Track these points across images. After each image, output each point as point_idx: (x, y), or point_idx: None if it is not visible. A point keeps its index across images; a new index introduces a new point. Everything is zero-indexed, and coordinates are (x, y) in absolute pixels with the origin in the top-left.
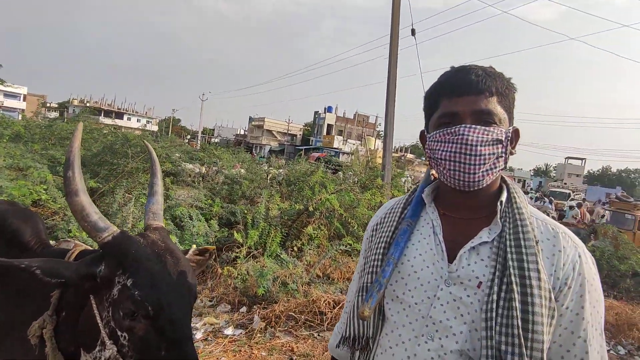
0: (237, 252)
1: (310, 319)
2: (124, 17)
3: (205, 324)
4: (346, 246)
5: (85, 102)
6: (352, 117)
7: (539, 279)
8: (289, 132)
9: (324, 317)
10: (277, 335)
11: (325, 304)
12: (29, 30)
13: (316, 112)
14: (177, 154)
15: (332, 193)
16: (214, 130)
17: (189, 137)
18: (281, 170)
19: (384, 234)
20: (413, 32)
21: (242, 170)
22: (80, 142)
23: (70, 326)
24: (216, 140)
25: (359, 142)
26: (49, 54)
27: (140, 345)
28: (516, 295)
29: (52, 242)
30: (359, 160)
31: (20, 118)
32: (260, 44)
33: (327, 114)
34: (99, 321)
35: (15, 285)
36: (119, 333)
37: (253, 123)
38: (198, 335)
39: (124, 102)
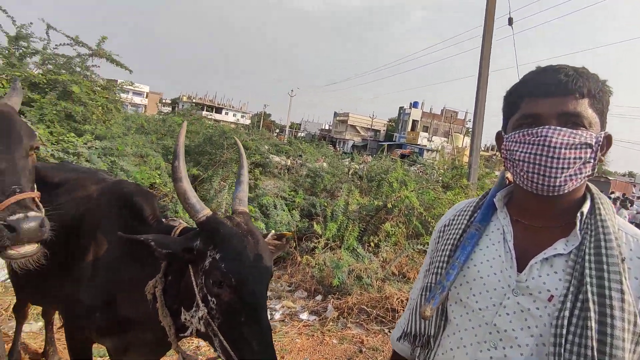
0: (316, 243)
1: (382, 315)
2: (218, 19)
3: (283, 307)
4: (424, 246)
5: (191, 98)
6: (440, 113)
7: (622, 300)
8: (372, 127)
9: (396, 314)
10: (349, 326)
11: (398, 301)
12: (147, 38)
13: (401, 108)
14: (266, 147)
15: (412, 191)
16: (300, 124)
17: (277, 131)
18: (362, 165)
19: (451, 236)
20: (510, 21)
21: (325, 164)
22: (185, 136)
23: (174, 289)
24: (302, 134)
25: (446, 139)
26: (163, 57)
27: (225, 309)
28: (593, 314)
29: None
30: (444, 158)
31: (144, 112)
32: (347, 39)
33: (412, 109)
34: (194, 287)
35: (137, 253)
36: (209, 298)
37: (337, 118)
38: (277, 315)
39: (222, 98)
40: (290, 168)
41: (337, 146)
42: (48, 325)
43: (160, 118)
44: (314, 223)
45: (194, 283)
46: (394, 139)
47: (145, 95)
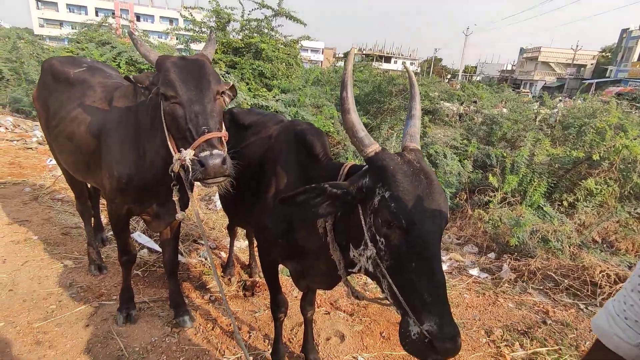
0: (491, 197)
1: (577, 287)
2: None
3: (451, 259)
4: None
5: (362, 50)
6: None
7: None
8: (574, 62)
9: (598, 289)
10: (529, 292)
11: (603, 275)
12: None
13: (624, 30)
14: (436, 93)
15: (634, 139)
16: (476, 67)
17: (449, 76)
18: (555, 110)
19: None
20: None
21: (505, 110)
22: (353, 84)
23: (343, 225)
24: (477, 78)
25: None
26: (339, 13)
27: (394, 252)
28: None
29: None
30: None
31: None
32: None
33: None
34: (363, 225)
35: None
36: (378, 238)
37: (524, 55)
38: (443, 267)
39: (391, 46)
40: (463, 115)
41: (522, 89)
42: (250, 244)
43: (332, 69)
44: (489, 175)
45: (363, 221)
46: (607, 75)
47: (321, 52)
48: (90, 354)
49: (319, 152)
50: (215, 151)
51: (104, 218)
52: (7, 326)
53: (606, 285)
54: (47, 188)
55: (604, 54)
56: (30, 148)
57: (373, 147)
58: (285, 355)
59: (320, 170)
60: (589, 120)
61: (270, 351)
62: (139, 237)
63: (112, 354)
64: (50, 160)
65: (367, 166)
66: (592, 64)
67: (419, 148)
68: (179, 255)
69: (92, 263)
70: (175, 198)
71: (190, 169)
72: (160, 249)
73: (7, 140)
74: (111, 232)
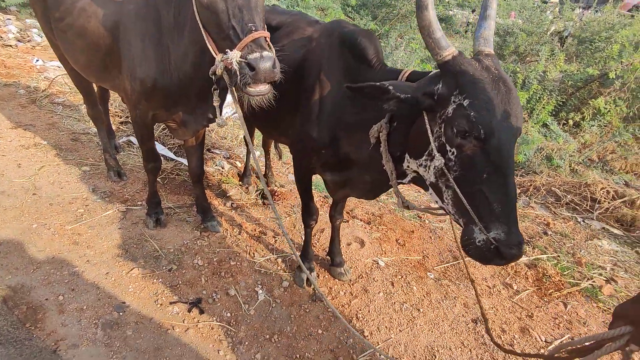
0: None
1: (578, 202)
2: None
3: None
4: None
5: None
6: None
7: None
8: None
9: (597, 204)
10: (532, 206)
11: (603, 192)
12: None
13: None
14: None
15: None
16: None
17: None
18: (571, 23)
19: None
20: None
21: (519, 21)
22: None
23: (400, 135)
24: None
25: None
26: None
27: (465, 163)
28: None
29: None
30: None
31: None
32: None
33: None
34: (429, 135)
35: (361, 97)
36: (448, 148)
37: None
38: None
39: None
40: (474, 25)
41: None
42: (267, 154)
43: None
44: None
45: (429, 131)
46: None
47: None
48: (128, 253)
49: (372, 57)
50: (265, 53)
51: (114, 125)
52: (40, 227)
53: (605, 201)
54: (43, 91)
55: None
56: (10, 45)
57: (450, 51)
58: (313, 258)
59: (375, 77)
60: (607, 33)
61: (299, 254)
62: None
63: (149, 254)
64: (37, 60)
65: (435, 72)
66: None
67: (494, 53)
68: None
69: (111, 169)
70: (216, 103)
71: (239, 73)
72: (174, 157)
73: None
74: (122, 139)
